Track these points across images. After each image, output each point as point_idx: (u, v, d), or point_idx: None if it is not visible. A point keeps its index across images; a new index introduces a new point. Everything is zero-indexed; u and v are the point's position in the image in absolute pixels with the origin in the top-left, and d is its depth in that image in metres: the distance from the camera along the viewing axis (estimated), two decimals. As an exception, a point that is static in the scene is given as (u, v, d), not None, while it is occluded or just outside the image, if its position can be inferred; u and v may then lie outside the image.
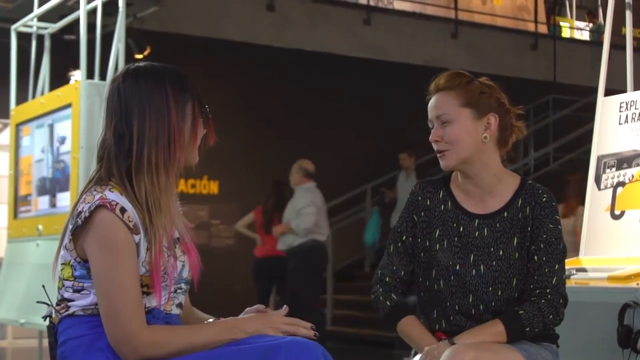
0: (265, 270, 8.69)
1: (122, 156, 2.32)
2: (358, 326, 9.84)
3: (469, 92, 2.76)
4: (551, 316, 2.68)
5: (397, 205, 9.95)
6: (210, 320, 2.47)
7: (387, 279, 2.86)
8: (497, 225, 2.77)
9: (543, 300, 2.67)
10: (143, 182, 2.31)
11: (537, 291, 2.69)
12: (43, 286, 2.48)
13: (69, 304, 2.32)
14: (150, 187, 2.31)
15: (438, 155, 2.79)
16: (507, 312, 2.70)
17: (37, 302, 2.44)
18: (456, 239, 2.78)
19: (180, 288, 2.40)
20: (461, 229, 2.79)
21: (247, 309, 2.43)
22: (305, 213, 8.16)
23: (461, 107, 2.75)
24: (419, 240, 2.83)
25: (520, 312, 2.66)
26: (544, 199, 2.76)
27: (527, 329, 2.66)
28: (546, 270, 2.70)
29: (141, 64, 2.43)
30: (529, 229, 2.74)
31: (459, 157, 2.75)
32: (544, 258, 2.70)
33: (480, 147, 2.76)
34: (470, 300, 2.74)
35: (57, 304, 2.34)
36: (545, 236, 2.72)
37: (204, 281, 2.51)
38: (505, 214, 2.77)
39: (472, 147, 2.75)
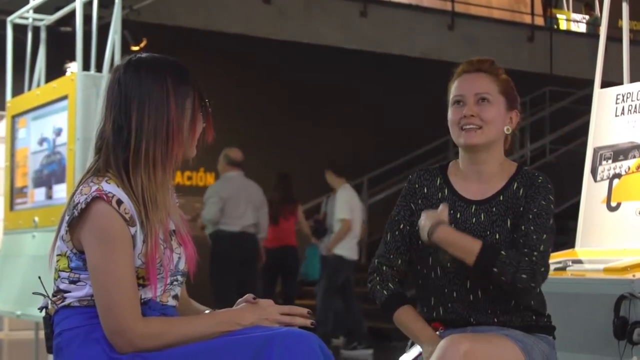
0: (274, 261, 8.70)
1: (120, 148, 2.32)
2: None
3: (505, 83, 2.84)
4: (525, 275, 2.63)
5: (327, 234, 9.11)
6: (207, 312, 2.47)
7: (384, 268, 2.87)
8: (493, 209, 2.78)
9: (526, 259, 2.65)
10: (140, 176, 2.30)
11: (525, 250, 2.67)
12: (39, 277, 2.48)
13: (65, 295, 2.32)
14: (147, 181, 2.30)
15: (466, 129, 2.78)
16: (492, 245, 2.68)
17: (34, 293, 2.44)
18: (453, 225, 2.78)
19: (177, 280, 2.40)
20: (458, 215, 2.80)
21: (239, 300, 2.43)
22: (209, 203, 8.16)
23: (499, 93, 2.81)
24: (417, 228, 2.84)
25: (502, 252, 2.64)
26: (539, 181, 2.79)
27: (496, 269, 2.63)
28: (534, 237, 2.68)
29: (143, 55, 2.42)
30: (521, 208, 2.74)
31: (487, 138, 2.78)
32: (531, 227, 2.70)
33: (500, 136, 2.82)
34: (468, 286, 2.74)
35: (53, 295, 2.34)
36: (535, 210, 2.72)
37: (200, 273, 2.51)
38: (501, 198, 2.79)
39: (498, 133, 2.80)
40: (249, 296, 2.41)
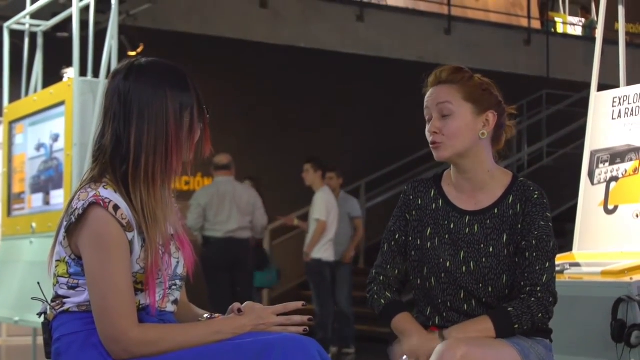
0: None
1: (119, 160, 2.32)
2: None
3: (471, 87, 2.77)
4: (540, 314, 2.68)
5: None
6: (206, 316, 2.47)
7: (382, 278, 2.87)
8: (488, 222, 2.77)
9: (533, 299, 2.67)
10: (140, 190, 2.30)
11: (528, 289, 2.69)
12: (38, 283, 2.48)
13: (64, 300, 2.31)
14: (146, 197, 2.30)
15: (432, 146, 2.79)
16: (496, 309, 2.70)
17: (32, 298, 2.44)
18: (447, 236, 2.78)
19: (175, 284, 2.40)
20: (452, 225, 2.80)
21: (229, 308, 2.44)
22: (189, 211, 8.10)
23: (463, 100, 2.76)
24: (411, 238, 2.84)
25: (509, 309, 2.66)
26: (535, 196, 2.77)
27: (516, 326, 2.66)
28: (537, 268, 2.70)
29: (143, 61, 2.40)
30: (519, 226, 2.74)
31: (454, 151, 2.76)
32: (534, 254, 2.70)
33: (477, 143, 2.77)
34: (462, 296, 2.75)
35: (52, 301, 2.34)
36: (536, 233, 2.72)
37: (197, 278, 2.51)
38: (496, 211, 2.78)
39: (468, 142, 2.76)
40: (234, 306, 2.41)
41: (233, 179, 8.34)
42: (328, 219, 8.75)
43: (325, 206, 8.74)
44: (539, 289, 2.68)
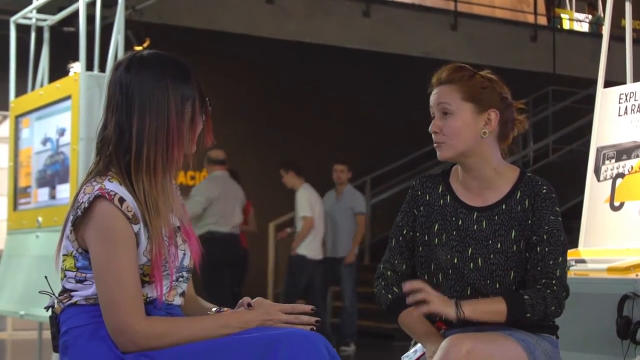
0: None
1: (122, 151, 2.33)
2: (358, 318, 9.83)
3: (471, 87, 2.77)
4: (553, 307, 2.69)
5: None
6: (214, 309, 2.47)
7: (389, 273, 2.88)
8: (496, 218, 2.77)
9: (548, 291, 2.68)
10: (142, 181, 2.31)
11: (544, 281, 2.69)
12: (45, 277, 2.48)
13: (72, 293, 2.32)
14: (148, 187, 2.31)
15: (435, 145, 2.80)
16: (512, 293, 2.70)
17: (40, 292, 2.45)
18: (455, 232, 2.79)
19: (182, 276, 2.41)
20: (460, 222, 2.80)
21: (238, 302, 2.44)
22: (193, 202, 8.04)
23: (463, 100, 2.76)
24: (418, 234, 2.85)
25: (526, 297, 2.66)
26: (544, 191, 2.77)
27: (528, 314, 2.67)
28: (550, 262, 2.70)
29: (145, 53, 2.41)
30: (529, 221, 2.74)
31: (456, 150, 2.77)
32: (546, 249, 2.71)
33: (479, 141, 2.77)
34: (469, 293, 2.75)
35: (60, 294, 2.35)
36: (547, 227, 2.73)
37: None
38: (504, 207, 2.78)
39: (470, 141, 2.76)
40: (244, 300, 2.42)
41: (229, 175, 8.40)
42: (314, 214, 8.73)
43: (308, 202, 8.72)
44: (554, 282, 2.69)
